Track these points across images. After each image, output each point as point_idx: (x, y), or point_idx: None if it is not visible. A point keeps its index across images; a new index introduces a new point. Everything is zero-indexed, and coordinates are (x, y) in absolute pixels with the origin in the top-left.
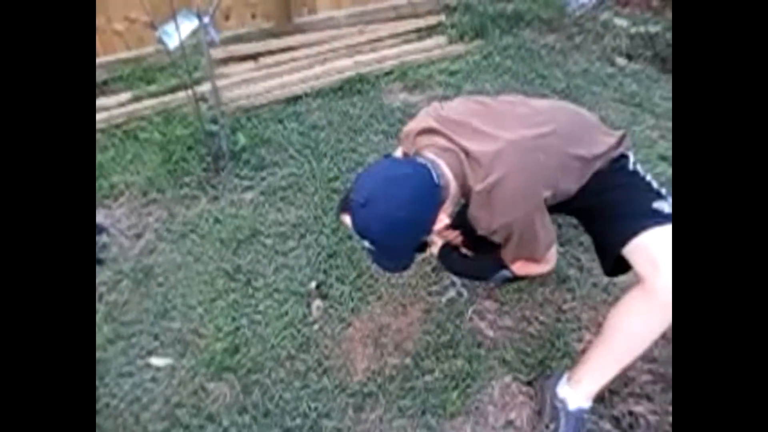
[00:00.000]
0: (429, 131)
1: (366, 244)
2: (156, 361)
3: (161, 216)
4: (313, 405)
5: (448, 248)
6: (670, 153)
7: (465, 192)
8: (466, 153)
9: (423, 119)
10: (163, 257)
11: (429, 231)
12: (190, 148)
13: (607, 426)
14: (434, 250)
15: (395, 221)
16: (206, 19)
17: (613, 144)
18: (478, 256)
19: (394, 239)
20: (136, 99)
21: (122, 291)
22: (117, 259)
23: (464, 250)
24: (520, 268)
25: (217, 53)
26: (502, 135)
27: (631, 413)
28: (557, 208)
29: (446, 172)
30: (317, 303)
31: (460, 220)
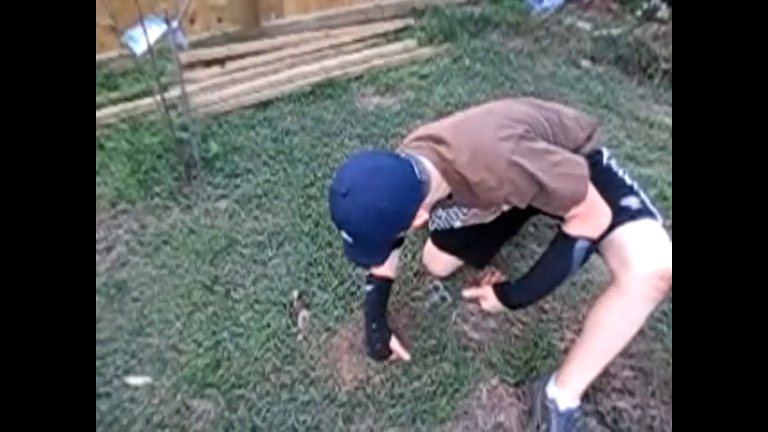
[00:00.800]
0: (413, 138)
1: (344, 234)
2: (134, 380)
3: (132, 227)
4: (301, 418)
5: (502, 287)
6: (636, 152)
7: (451, 175)
8: (434, 139)
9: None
10: (137, 271)
11: (408, 225)
12: (159, 157)
13: (593, 422)
14: (485, 306)
15: (377, 211)
16: (174, 24)
17: (584, 138)
18: (541, 264)
19: (374, 230)
20: (98, 106)
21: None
22: None
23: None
24: (589, 226)
25: (183, 58)
26: (471, 119)
27: (614, 408)
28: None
29: (429, 168)
30: (303, 314)
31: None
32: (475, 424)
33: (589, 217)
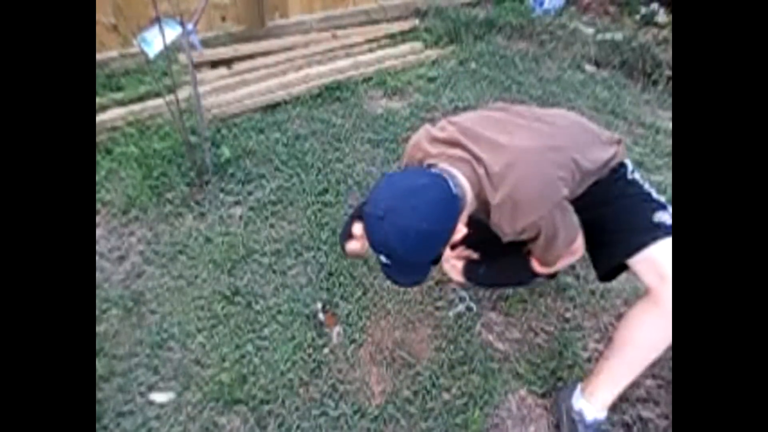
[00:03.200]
0: (441, 141)
1: (382, 258)
2: (158, 396)
3: (145, 236)
4: None
5: (472, 264)
6: (645, 159)
7: (481, 201)
8: (480, 162)
9: (430, 130)
10: (153, 282)
11: (448, 242)
12: (170, 162)
13: None
14: (446, 267)
15: (417, 234)
16: (189, 26)
17: (612, 154)
18: (508, 261)
19: (415, 252)
20: (102, 108)
21: (111, 321)
22: (101, 285)
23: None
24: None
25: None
26: (513, 144)
27: (640, 418)
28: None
29: (463, 183)
30: (337, 329)
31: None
32: None
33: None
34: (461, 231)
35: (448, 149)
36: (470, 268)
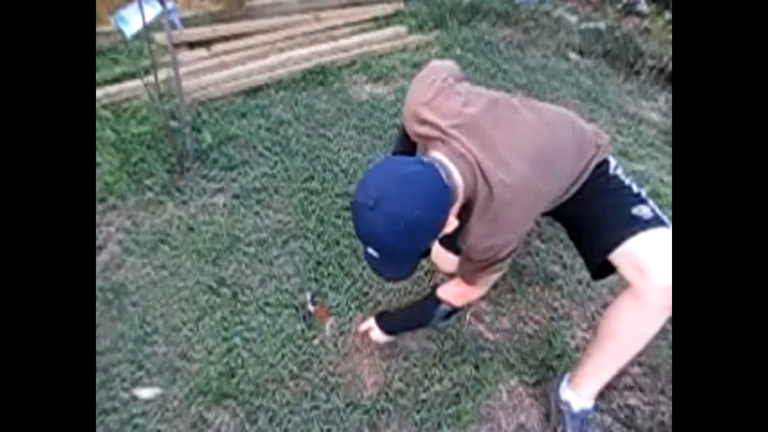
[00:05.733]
0: (453, 123)
1: (369, 250)
2: (142, 392)
3: (124, 225)
4: (325, 427)
5: (381, 316)
6: (628, 149)
7: (468, 204)
8: (481, 169)
9: (446, 94)
10: (134, 273)
11: (439, 234)
12: (149, 147)
13: (608, 420)
14: (373, 336)
15: (409, 222)
16: (170, 4)
17: (596, 153)
18: (412, 306)
19: (405, 243)
20: None
21: None
22: None
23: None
24: (458, 297)
25: (163, 38)
26: (516, 167)
27: (627, 405)
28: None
29: (456, 177)
30: (330, 322)
31: None
32: (498, 425)
33: (465, 293)
34: (452, 223)
35: (453, 140)
36: (381, 319)
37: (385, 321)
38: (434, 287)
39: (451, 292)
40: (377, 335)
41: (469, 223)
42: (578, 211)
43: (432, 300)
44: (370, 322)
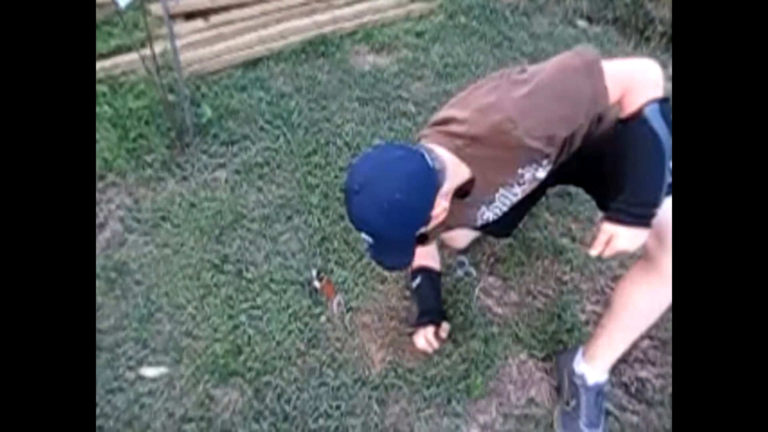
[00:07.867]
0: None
1: (364, 236)
2: (149, 371)
3: (124, 202)
4: (334, 404)
5: (612, 213)
6: None
7: (465, 150)
8: (440, 122)
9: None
10: (136, 251)
11: (427, 218)
12: (147, 123)
13: (619, 393)
14: (622, 245)
15: (391, 205)
16: None
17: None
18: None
19: (392, 226)
20: None
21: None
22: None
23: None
24: (633, 97)
25: (158, 9)
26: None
27: (638, 379)
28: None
29: (440, 153)
30: (337, 299)
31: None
32: (508, 400)
33: (634, 87)
34: (441, 206)
35: (424, 131)
36: (617, 215)
37: (625, 209)
38: (617, 122)
39: (634, 97)
40: (624, 240)
41: (490, 156)
42: (613, 168)
43: (633, 122)
44: (604, 233)
